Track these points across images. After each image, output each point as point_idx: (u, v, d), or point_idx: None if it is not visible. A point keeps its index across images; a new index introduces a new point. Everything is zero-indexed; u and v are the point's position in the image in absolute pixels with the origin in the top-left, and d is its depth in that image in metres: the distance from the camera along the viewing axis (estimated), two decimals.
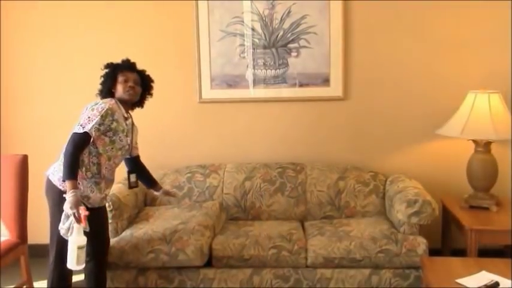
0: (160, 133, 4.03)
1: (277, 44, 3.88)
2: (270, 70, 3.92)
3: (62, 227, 2.75)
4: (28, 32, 3.99)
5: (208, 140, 4.01)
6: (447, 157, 3.83)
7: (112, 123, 2.83)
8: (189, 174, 3.76)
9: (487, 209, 3.40)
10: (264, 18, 3.85)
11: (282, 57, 3.89)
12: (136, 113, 4.01)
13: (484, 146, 3.42)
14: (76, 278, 3.11)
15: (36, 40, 4.00)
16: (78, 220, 2.63)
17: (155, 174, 3.78)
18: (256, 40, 3.88)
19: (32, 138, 4.07)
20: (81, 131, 2.74)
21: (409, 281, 3.15)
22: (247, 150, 3.99)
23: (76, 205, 2.63)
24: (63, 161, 2.74)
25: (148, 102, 4.00)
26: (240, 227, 3.43)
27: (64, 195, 2.68)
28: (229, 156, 3.97)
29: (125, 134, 2.94)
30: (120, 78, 2.98)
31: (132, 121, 3.10)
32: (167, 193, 3.33)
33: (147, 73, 3.13)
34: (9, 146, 4.02)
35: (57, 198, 2.80)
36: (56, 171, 2.86)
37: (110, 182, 3.00)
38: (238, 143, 4.00)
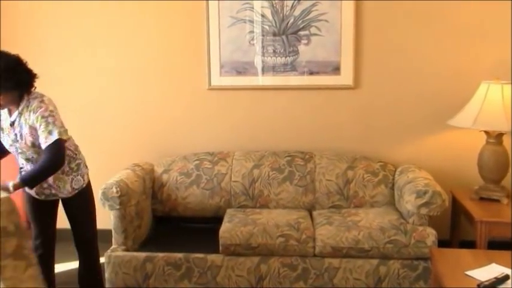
0: (168, 120, 4.02)
1: (288, 31, 3.84)
2: (279, 58, 3.88)
3: None
4: (33, 28, 3.97)
5: (217, 127, 3.99)
6: (458, 148, 3.80)
7: None
8: (197, 162, 3.75)
9: (497, 201, 3.37)
10: (274, 5, 3.80)
11: (292, 44, 3.85)
12: (145, 99, 4.02)
13: (495, 138, 3.38)
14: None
15: (44, 34, 3.98)
16: None
17: (163, 161, 3.79)
18: (266, 27, 3.84)
19: None
20: None
21: (418, 272, 3.14)
22: (255, 138, 3.96)
23: None
24: None
25: (158, 89, 4.02)
26: (248, 215, 3.42)
27: None
28: (238, 143, 3.95)
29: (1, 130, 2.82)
30: None
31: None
32: None
33: (10, 66, 2.61)
34: None
35: None
36: None
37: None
38: (247, 130, 3.98)
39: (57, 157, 2.69)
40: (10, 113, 2.77)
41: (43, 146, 2.67)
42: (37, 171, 2.69)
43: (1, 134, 2.82)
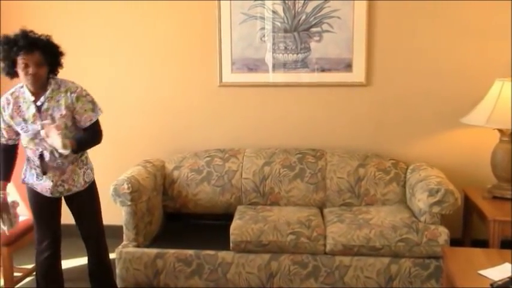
0: (179, 116, 4.02)
1: (299, 27, 3.82)
2: (291, 54, 3.87)
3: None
4: (43, 14, 3.98)
5: (228, 124, 3.99)
6: (471, 146, 3.76)
7: (9, 115, 2.76)
8: (208, 158, 3.75)
9: (510, 200, 3.33)
10: (286, 2, 3.78)
11: (303, 41, 3.84)
12: (157, 96, 4.02)
13: (509, 136, 3.35)
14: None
15: (52, 21, 3.99)
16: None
17: (174, 157, 3.79)
18: (278, 24, 3.83)
19: None
20: None
21: (429, 270, 3.12)
22: (266, 135, 3.96)
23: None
24: None
25: (169, 85, 4.02)
26: (259, 212, 3.41)
27: None
28: (249, 140, 3.95)
29: (23, 120, 2.75)
30: (20, 62, 2.61)
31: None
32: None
33: (50, 41, 2.74)
34: None
35: (28, 193, 2.96)
36: None
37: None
38: (257, 127, 3.97)
39: (101, 134, 2.86)
40: (36, 99, 2.72)
41: (87, 124, 2.78)
42: (89, 140, 2.81)
43: (21, 131, 2.77)
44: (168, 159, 3.82)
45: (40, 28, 3.94)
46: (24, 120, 2.74)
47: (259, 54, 3.87)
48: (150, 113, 4.04)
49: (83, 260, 3.66)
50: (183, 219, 3.76)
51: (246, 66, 3.90)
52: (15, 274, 3.22)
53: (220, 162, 3.72)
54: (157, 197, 3.61)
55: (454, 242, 3.26)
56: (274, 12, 3.81)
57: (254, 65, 3.90)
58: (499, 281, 2.38)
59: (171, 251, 3.24)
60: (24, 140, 2.79)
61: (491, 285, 2.36)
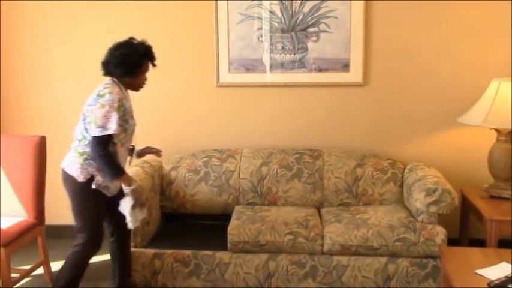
0: (177, 116, 4.02)
1: (297, 28, 3.82)
2: (288, 54, 3.87)
3: (132, 220, 2.84)
4: (45, 13, 3.98)
5: (226, 124, 3.99)
6: (468, 146, 3.77)
7: (124, 114, 2.79)
8: (205, 159, 3.75)
9: (507, 199, 3.34)
10: (283, 2, 3.78)
11: (301, 41, 3.84)
12: (154, 96, 4.02)
13: (506, 135, 3.35)
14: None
15: (54, 22, 3.99)
16: (143, 205, 2.90)
17: (172, 158, 3.79)
18: (275, 24, 3.83)
19: (50, 120, 4.07)
20: (105, 132, 2.69)
21: (427, 270, 3.12)
22: (264, 135, 3.96)
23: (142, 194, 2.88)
24: (99, 165, 2.74)
25: (166, 85, 4.02)
26: (256, 213, 3.42)
27: (85, 186, 2.78)
28: (246, 140, 3.95)
29: (131, 117, 2.90)
30: (145, 68, 2.88)
31: None
32: (148, 152, 3.19)
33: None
34: (27, 127, 4.03)
35: (76, 190, 2.84)
36: (71, 163, 2.83)
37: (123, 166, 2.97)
38: (255, 127, 3.97)
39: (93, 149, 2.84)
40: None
41: None
42: None
43: (129, 123, 2.85)
44: (166, 159, 3.81)
45: (40, 28, 3.98)
46: (131, 118, 2.87)
47: (257, 55, 3.88)
48: (148, 113, 4.03)
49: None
50: (181, 220, 3.75)
51: (243, 67, 3.90)
52: (13, 275, 3.21)
53: (218, 163, 3.72)
54: (155, 197, 3.61)
55: (452, 242, 3.28)
56: (271, 12, 3.81)
57: (251, 65, 3.90)
58: (496, 280, 2.39)
59: (169, 251, 3.25)
60: (123, 138, 2.84)
61: (489, 284, 2.37)
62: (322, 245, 3.17)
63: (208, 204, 3.66)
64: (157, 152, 3.19)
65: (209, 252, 3.23)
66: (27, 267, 3.39)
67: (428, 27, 3.72)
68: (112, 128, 2.69)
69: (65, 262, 2.92)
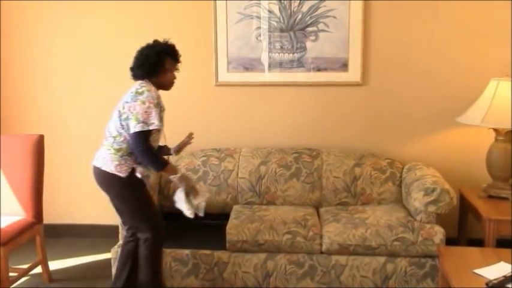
0: (175, 116, 3.97)
1: (295, 27, 3.82)
2: (287, 54, 3.87)
3: (189, 208, 2.91)
4: (44, 12, 3.97)
5: (224, 123, 3.99)
6: (466, 145, 3.77)
7: (160, 111, 2.87)
8: (204, 158, 3.75)
9: (506, 199, 3.35)
10: (282, 1, 3.78)
11: (299, 41, 3.84)
12: None
13: (505, 135, 3.36)
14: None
15: (53, 22, 3.98)
16: (196, 190, 2.96)
17: (171, 157, 3.78)
18: (274, 23, 3.83)
19: (48, 119, 4.07)
20: (146, 128, 2.75)
21: (425, 270, 3.13)
22: (262, 134, 3.96)
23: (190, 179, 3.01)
24: (142, 160, 2.81)
25: None
26: (255, 212, 3.42)
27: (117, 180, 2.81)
28: (245, 140, 3.95)
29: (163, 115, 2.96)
30: (168, 66, 2.92)
31: None
32: (182, 146, 3.26)
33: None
34: (26, 126, 4.02)
35: (122, 186, 2.85)
36: (109, 161, 2.83)
37: None
38: (254, 127, 3.97)
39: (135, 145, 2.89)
40: None
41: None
42: None
43: (162, 121, 2.92)
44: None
45: (40, 28, 3.98)
46: (163, 117, 2.93)
47: (255, 54, 3.87)
48: None
49: (83, 260, 3.69)
50: (179, 219, 3.73)
51: (242, 66, 3.90)
52: (11, 274, 3.21)
53: (216, 162, 3.72)
54: (154, 196, 3.60)
55: (451, 241, 3.28)
56: (270, 11, 3.81)
57: (250, 65, 3.90)
58: (494, 279, 2.39)
59: (167, 250, 3.24)
60: (155, 136, 2.91)
61: (487, 284, 2.37)
62: (321, 245, 3.17)
63: (207, 203, 3.64)
64: (189, 139, 3.26)
65: (207, 252, 3.23)
66: (26, 266, 3.39)
67: (427, 27, 3.72)
68: (154, 123, 2.77)
69: (142, 262, 2.95)
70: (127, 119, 2.78)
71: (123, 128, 2.82)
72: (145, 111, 2.75)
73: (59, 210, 4.01)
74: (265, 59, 3.87)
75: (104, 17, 3.94)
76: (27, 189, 3.24)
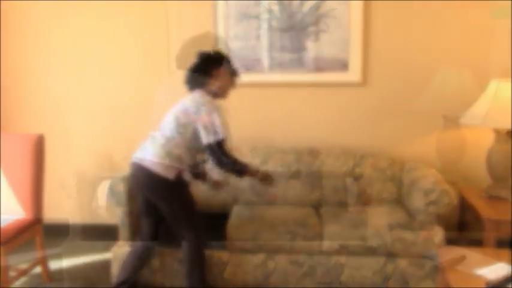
0: None
1: (296, 27, 3.82)
2: (287, 54, 3.86)
3: None
4: (44, 12, 3.97)
5: None
6: (466, 146, 3.75)
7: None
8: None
9: (506, 199, 3.34)
10: (282, 1, 3.78)
11: (300, 41, 3.84)
12: (151, 95, 4.02)
13: (505, 136, 3.35)
14: None
15: (53, 22, 3.98)
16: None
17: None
18: (274, 23, 3.82)
19: (49, 118, 4.06)
20: (220, 137, 2.79)
21: (425, 270, 3.12)
22: (262, 134, 3.95)
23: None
24: (222, 170, 2.93)
25: (164, 85, 4.01)
26: (255, 212, 3.41)
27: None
28: (245, 140, 3.93)
29: None
30: (216, 74, 2.97)
31: None
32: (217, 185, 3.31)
33: None
34: (26, 126, 4.02)
35: (170, 189, 2.89)
36: (158, 163, 2.83)
37: None
38: (253, 126, 3.96)
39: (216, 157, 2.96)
40: None
41: None
42: None
43: None
44: None
45: (40, 28, 3.97)
46: None
47: (256, 54, 3.87)
48: (146, 112, 4.03)
49: (83, 260, 3.68)
50: None
51: (242, 66, 3.89)
52: (10, 274, 3.20)
53: None
54: None
55: (450, 242, 3.27)
56: (270, 11, 3.81)
57: (251, 65, 3.89)
58: (494, 280, 2.38)
59: (167, 250, 3.24)
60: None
61: (487, 284, 2.36)
62: (321, 245, 3.17)
63: (207, 203, 3.65)
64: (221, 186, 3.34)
65: (207, 252, 3.22)
66: (25, 265, 3.38)
67: (427, 27, 3.72)
68: (223, 131, 2.80)
69: (187, 264, 2.97)
70: (197, 130, 2.82)
71: (178, 133, 2.85)
72: (214, 122, 2.82)
73: (59, 209, 4.01)
74: (265, 59, 3.87)
75: (104, 17, 3.94)
76: (27, 189, 3.24)
